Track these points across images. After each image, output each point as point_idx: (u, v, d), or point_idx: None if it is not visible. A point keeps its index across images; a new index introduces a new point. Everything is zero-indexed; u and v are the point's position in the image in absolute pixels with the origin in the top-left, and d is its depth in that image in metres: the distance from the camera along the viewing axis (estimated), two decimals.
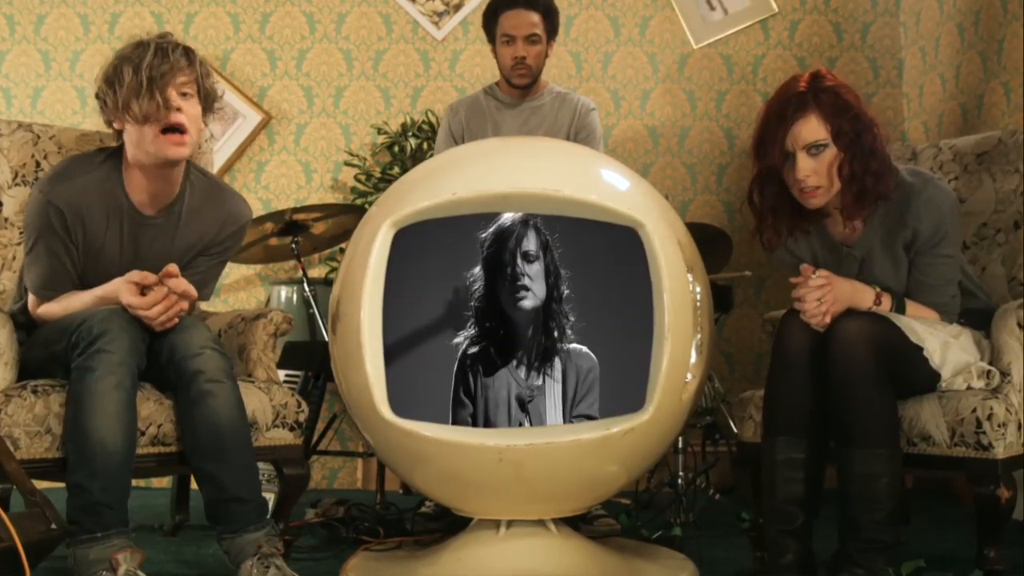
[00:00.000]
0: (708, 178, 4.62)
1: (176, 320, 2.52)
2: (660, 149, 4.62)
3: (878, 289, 2.51)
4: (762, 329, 3.08)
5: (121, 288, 2.49)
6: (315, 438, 3.88)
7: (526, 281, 2.65)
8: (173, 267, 2.50)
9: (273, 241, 3.97)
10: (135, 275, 2.50)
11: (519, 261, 2.66)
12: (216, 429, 2.42)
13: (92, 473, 2.26)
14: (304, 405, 2.73)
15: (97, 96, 2.61)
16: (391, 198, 2.66)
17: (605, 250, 2.64)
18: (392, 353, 2.52)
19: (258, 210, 4.37)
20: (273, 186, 4.59)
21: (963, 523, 3.48)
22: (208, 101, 2.63)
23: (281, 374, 3.70)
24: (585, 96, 3.80)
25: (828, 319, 2.42)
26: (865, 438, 2.33)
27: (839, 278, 2.47)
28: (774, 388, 2.47)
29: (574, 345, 2.65)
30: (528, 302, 2.64)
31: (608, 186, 2.61)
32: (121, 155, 2.65)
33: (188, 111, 2.56)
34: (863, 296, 2.48)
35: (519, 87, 3.70)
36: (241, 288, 4.55)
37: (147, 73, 2.50)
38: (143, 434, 2.49)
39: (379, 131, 4.48)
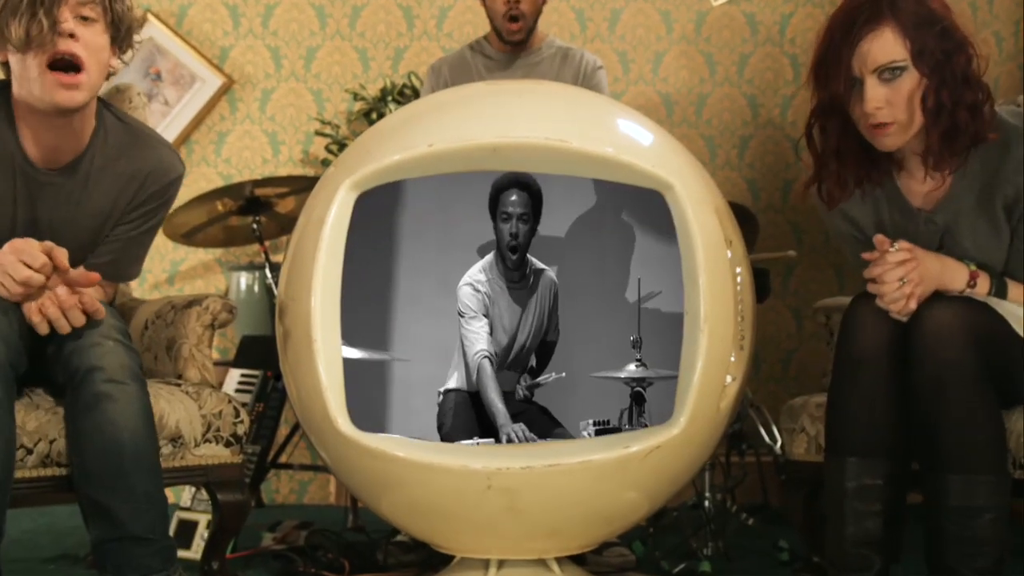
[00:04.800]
0: (729, 152, 4.22)
1: (75, 320, 1.98)
2: (675, 119, 4.21)
3: (973, 267, 1.98)
4: (812, 319, 2.56)
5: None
6: (276, 448, 3.37)
7: None
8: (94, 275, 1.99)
9: (234, 221, 3.57)
10: (20, 244, 1.96)
11: None
12: (113, 445, 1.90)
13: None
14: (244, 414, 2.20)
15: None
16: (352, 154, 2.16)
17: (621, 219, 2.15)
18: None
19: (217, 186, 3.87)
20: (235, 159, 4.16)
21: None
22: (120, 30, 2.08)
23: (236, 374, 3.32)
24: (591, 54, 3.40)
25: (913, 304, 1.90)
26: (963, 461, 1.82)
27: (925, 252, 1.95)
28: (842, 396, 1.95)
29: None
30: None
31: (628, 138, 2.11)
32: (10, 93, 2.11)
33: (88, 40, 2.02)
34: (954, 275, 1.96)
35: (513, 43, 3.26)
36: (199, 275, 4.15)
37: None
38: (30, 452, 1.97)
39: (355, 97, 4.09)
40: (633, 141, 2.09)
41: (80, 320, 1.97)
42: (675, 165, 2.07)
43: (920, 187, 2.06)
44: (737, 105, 4.21)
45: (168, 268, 4.08)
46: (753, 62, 4.21)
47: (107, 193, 2.20)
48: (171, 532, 2.88)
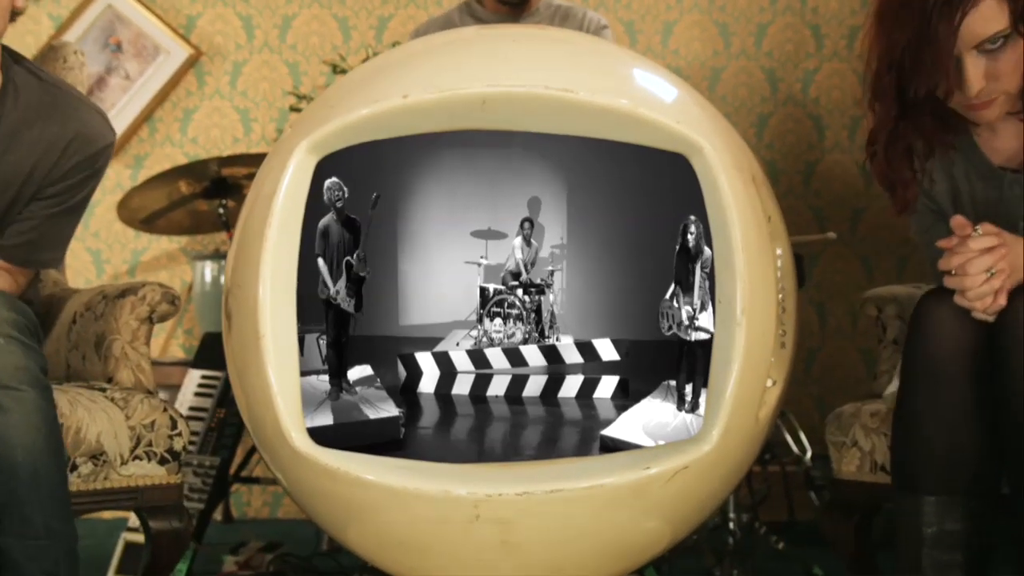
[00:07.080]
0: (746, 130, 3.92)
1: None
2: None
3: None
4: (860, 312, 2.21)
5: None
6: (242, 459, 3.04)
7: None
8: None
9: (201, 206, 3.31)
10: None
11: None
12: (3, 468, 1.58)
13: None
14: (182, 426, 1.86)
15: None
16: (312, 112, 1.82)
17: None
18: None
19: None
20: (203, 139, 3.89)
21: None
22: None
23: (197, 375, 3.01)
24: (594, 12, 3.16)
25: (1002, 300, 1.56)
26: None
27: (1014, 236, 1.61)
28: (916, 416, 1.61)
29: None
30: None
31: (646, 91, 1.76)
32: None
33: None
34: None
35: (509, 3, 3.01)
36: (162, 266, 3.87)
37: None
38: None
39: (335, 69, 3.80)
40: (652, 94, 1.74)
41: None
42: (704, 124, 1.72)
43: (1005, 143, 1.72)
44: (755, 80, 3.95)
45: (129, 258, 3.79)
46: (772, 32, 3.94)
47: (20, 163, 1.88)
48: (116, 556, 2.56)
